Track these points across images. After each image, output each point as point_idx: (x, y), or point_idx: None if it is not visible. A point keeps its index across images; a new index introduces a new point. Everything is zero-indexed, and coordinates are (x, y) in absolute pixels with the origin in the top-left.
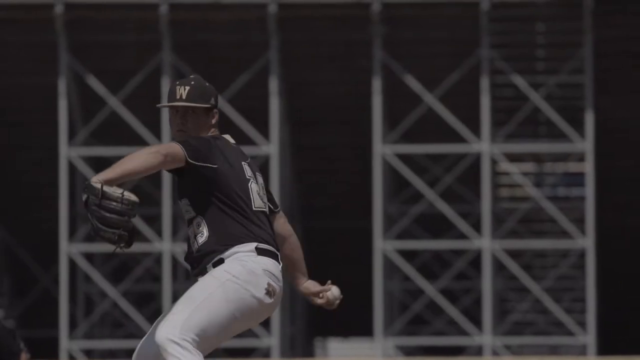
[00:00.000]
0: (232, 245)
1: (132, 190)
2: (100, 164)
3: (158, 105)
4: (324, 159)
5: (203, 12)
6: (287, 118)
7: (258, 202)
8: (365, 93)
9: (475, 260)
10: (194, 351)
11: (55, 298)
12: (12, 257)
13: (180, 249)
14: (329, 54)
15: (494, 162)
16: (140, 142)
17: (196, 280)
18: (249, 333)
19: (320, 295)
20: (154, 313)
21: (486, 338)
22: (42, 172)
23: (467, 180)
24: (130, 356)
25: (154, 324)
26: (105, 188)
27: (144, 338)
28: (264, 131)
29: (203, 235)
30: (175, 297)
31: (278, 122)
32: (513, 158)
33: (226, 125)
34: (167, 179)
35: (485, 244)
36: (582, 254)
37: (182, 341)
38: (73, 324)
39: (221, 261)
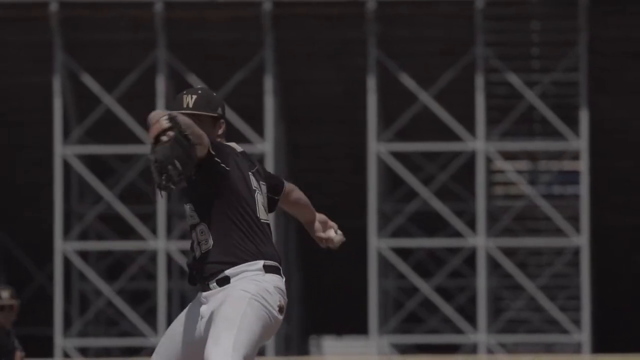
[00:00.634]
0: (238, 264)
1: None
2: (95, 162)
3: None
4: (319, 157)
5: (198, 11)
6: (282, 116)
7: (263, 213)
8: (360, 91)
9: (470, 258)
10: None
11: (50, 296)
12: (6, 255)
13: (175, 247)
14: (324, 52)
15: (488, 160)
16: (135, 141)
17: (195, 287)
18: None
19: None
20: (149, 311)
21: (481, 336)
22: (36, 170)
23: (461, 178)
24: (125, 354)
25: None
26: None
27: None
28: (259, 129)
29: (207, 243)
30: (170, 295)
31: (273, 120)
32: (508, 156)
33: None
34: None
35: (480, 241)
36: (576, 252)
37: None
38: (68, 322)
39: (227, 279)
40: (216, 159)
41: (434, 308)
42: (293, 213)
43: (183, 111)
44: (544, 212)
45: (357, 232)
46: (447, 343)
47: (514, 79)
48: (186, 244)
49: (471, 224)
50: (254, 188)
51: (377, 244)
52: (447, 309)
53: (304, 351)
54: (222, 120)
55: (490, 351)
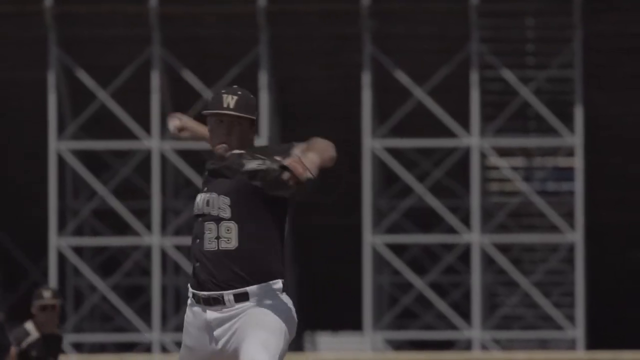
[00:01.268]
0: (263, 281)
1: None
2: (89, 157)
3: (204, 112)
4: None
5: (193, 6)
6: (277, 112)
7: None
8: (354, 87)
9: (465, 255)
10: None
11: None
12: (1, 251)
13: (170, 242)
14: (319, 48)
15: (483, 157)
16: (130, 136)
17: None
18: None
19: None
20: (143, 306)
21: (475, 332)
22: (31, 165)
23: (456, 174)
24: (120, 349)
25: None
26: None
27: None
28: None
29: (229, 243)
30: (164, 291)
31: (268, 116)
32: (502, 152)
33: None
34: (156, 172)
35: (475, 238)
36: (571, 249)
37: None
38: (62, 318)
39: (245, 296)
40: None
41: (429, 304)
42: None
43: (228, 111)
44: (539, 209)
45: (351, 228)
46: (442, 339)
47: (508, 75)
48: (181, 240)
49: (466, 220)
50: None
51: (371, 240)
52: (441, 305)
53: (299, 347)
54: (255, 124)
55: (484, 347)
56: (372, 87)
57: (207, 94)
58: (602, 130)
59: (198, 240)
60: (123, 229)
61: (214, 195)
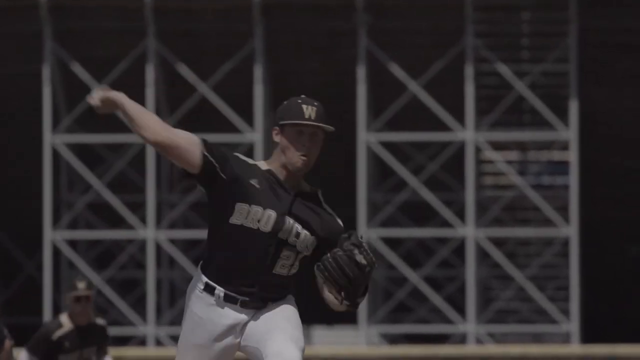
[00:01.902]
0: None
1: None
2: (84, 151)
3: (289, 122)
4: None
5: (188, 0)
6: (271, 106)
7: None
8: (349, 81)
9: (459, 248)
10: None
11: (39, 285)
12: None
13: (164, 236)
14: (313, 42)
15: (478, 150)
16: (124, 130)
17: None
18: None
19: None
20: (138, 300)
21: (470, 326)
22: (26, 159)
23: (451, 168)
24: (114, 343)
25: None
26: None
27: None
28: (249, 119)
29: (285, 269)
30: (159, 284)
31: (262, 110)
32: (497, 146)
33: (211, 113)
34: (151, 166)
35: (469, 232)
36: (565, 242)
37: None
38: (57, 311)
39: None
40: None
41: (423, 298)
42: None
43: (322, 124)
44: (534, 203)
45: (346, 222)
46: (436, 333)
47: (503, 69)
48: (175, 233)
49: (460, 214)
50: None
51: (366, 234)
52: (436, 299)
53: None
54: None
55: (479, 341)
56: (367, 81)
57: (201, 87)
58: (597, 124)
59: (258, 256)
60: (118, 222)
61: (291, 221)
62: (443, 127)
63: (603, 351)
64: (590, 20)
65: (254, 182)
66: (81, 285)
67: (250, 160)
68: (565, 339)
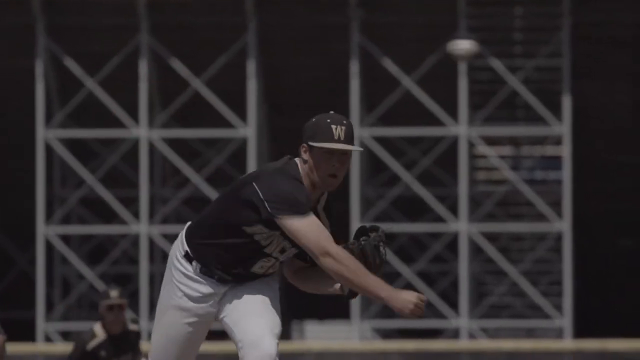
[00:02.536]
0: None
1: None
2: (77, 146)
3: (323, 147)
4: (301, 141)
5: None
6: (264, 101)
7: None
8: (342, 76)
9: (452, 243)
10: None
11: (32, 280)
12: None
13: (157, 231)
14: (306, 36)
15: (471, 145)
16: (117, 124)
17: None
18: None
19: None
20: (131, 295)
21: (463, 321)
22: (19, 154)
23: (444, 163)
24: None
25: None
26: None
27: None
28: (242, 114)
29: (270, 270)
30: (152, 279)
31: (255, 104)
32: (490, 141)
33: (204, 107)
34: (144, 161)
35: (462, 227)
36: (558, 237)
37: None
38: (50, 306)
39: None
40: None
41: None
42: None
43: (356, 148)
44: (527, 198)
45: (339, 217)
46: (429, 328)
47: (496, 64)
48: (168, 228)
49: (453, 209)
50: None
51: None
52: (429, 294)
53: (286, 336)
54: None
55: (472, 336)
56: (360, 75)
57: (195, 82)
58: (590, 119)
59: (242, 257)
60: (111, 217)
61: (287, 244)
62: (436, 122)
63: (595, 346)
64: (583, 14)
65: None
66: (114, 293)
67: (297, 176)
68: (558, 334)
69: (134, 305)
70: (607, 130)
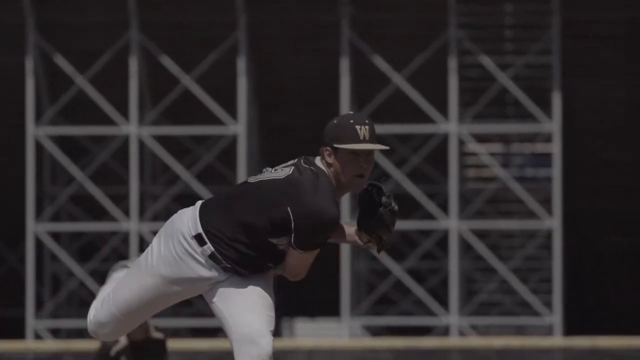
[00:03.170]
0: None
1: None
2: (67, 143)
3: (350, 148)
4: (291, 139)
5: None
6: (254, 98)
7: None
8: (333, 73)
9: (442, 241)
10: None
11: (21, 277)
12: None
13: (147, 228)
14: (297, 34)
15: (461, 143)
16: (108, 122)
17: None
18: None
19: None
20: None
21: (453, 318)
22: (8, 151)
23: (434, 160)
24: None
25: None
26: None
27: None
28: (232, 111)
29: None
30: None
31: (246, 102)
32: (480, 138)
33: (194, 105)
34: (134, 158)
35: (452, 224)
36: (549, 235)
37: None
38: (39, 303)
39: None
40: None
41: (406, 290)
42: None
43: (383, 147)
44: (517, 195)
45: None
46: (419, 325)
47: (487, 61)
48: (158, 226)
49: (443, 206)
50: None
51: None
52: (419, 291)
53: (276, 333)
54: None
55: (462, 333)
56: (351, 73)
57: (185, 79)
58: (580, 117)
59: (264, 259)
60: (101, 214)
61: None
62: (426, 119)
63: (585, 343)
64: (573, 12)
65: None
66: None
67: (333, 201)
68: (548, 331)
69: None
70: (597, 127)
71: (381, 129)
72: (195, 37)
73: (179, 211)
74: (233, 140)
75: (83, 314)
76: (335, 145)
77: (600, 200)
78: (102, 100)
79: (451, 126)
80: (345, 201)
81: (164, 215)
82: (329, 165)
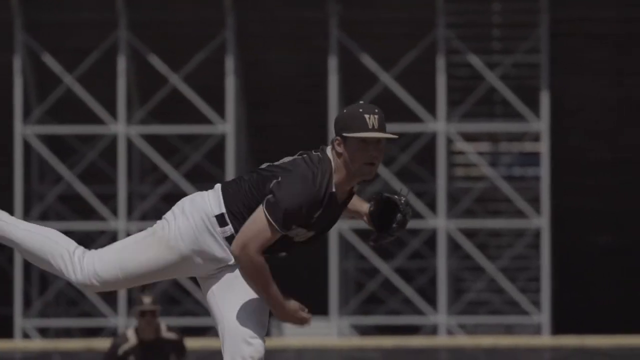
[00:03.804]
0: None
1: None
2: (55, 142)
3: (359, 137)
4: (280, 138)
5: None
6: (243, 97)
7: None
8: (321, 72)
9: (431, 240)
10: None
11: (9, 277)
12: None
13: (136, 227)
14: (285, 32)
15: (449, 142)
16: (96, 120)
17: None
18: (205, 312)
19: None
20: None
21: (441, 317)
22: None
23: (422, 159)
24: (85, 334)
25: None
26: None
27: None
28: (220, 110)
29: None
30: None
31: (234, 100)
32: (468, 137)
33: (182, 103)
34: (122, 157)
35: (441, 223)
36: (537, 234)
37: None
38: (27, 303)
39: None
40: None
41: (394, 289)
42: None
43: (392, 135)
44: (505, 194)
45: None
46: (407, 324)
47: (475, 60)
48: (146, 225)
49: (432, 205)
50: None
51: (337, 225)
52: (407, 290)
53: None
54: None
55: (450, 332)
56: (339, 71)
57: (173, 78)
58: (568, 116)
59: (279, 249)
60: (89, 213)
61: (311, 233)
62: (414, 118)
63: (573, 342)
64: (561, 11)
65: (316, 214)
66: (147, 300)
67: (324, 184)
68: (536, 330)
69: (112, 301)
70: (586, 126)
71: None
72: (184, 35)
73: (196, 193)
74: (221, 139)
75: (71, 313)
76: (345, 134)
77: (588, 199)
78: (90, 99)
79: (439, 125)
80: None
81: (152, 214)
82: (338, 155)
